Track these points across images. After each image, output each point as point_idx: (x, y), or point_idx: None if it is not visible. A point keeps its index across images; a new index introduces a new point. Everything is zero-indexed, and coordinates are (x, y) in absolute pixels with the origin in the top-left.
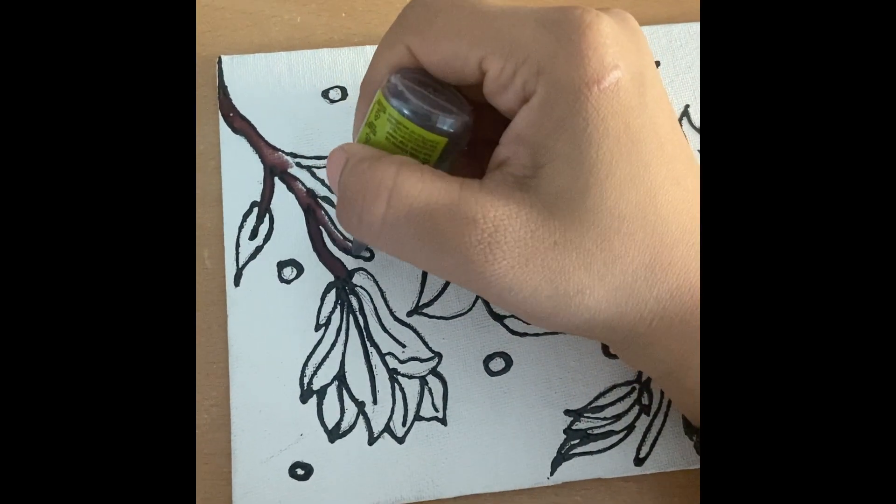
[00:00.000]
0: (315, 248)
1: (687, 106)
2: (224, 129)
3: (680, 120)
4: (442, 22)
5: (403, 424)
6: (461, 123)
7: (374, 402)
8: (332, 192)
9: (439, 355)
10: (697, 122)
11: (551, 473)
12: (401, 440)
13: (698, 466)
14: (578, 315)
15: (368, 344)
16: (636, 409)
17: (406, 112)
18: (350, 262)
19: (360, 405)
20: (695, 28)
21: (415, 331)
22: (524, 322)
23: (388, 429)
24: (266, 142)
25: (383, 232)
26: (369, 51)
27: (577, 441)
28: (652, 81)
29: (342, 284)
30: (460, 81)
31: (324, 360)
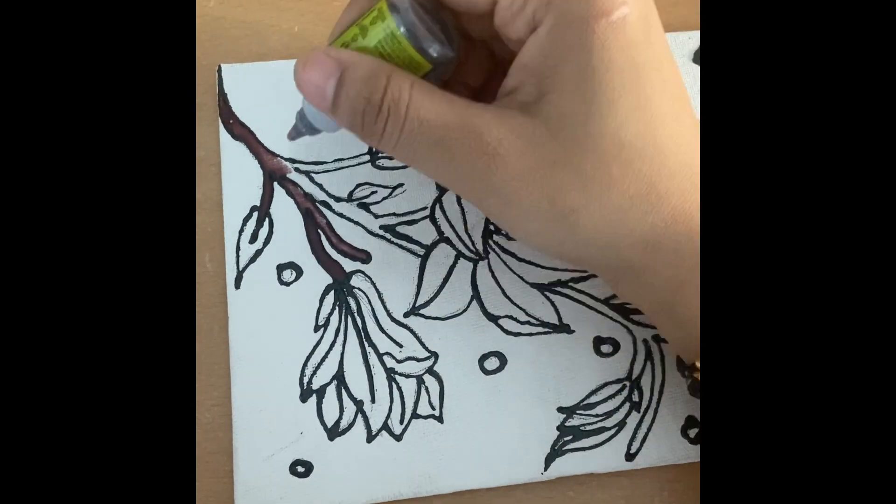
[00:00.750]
0: (314, 251)
1: None
2: (224, 135)
3: None
4: None
5: (401, 422)
6: (448, 55)
7: (373, 400)
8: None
9: (435, 355)
10: None
11: (545, 469)
12: (398, 438)
13: (688, 461)
14: (573, 234)
15: (366, 344)
16: (627, 405)
17: (403, 29)
18: (348, 265)
19: (359, 404)
20: (681, 38)
21: (411, 331)
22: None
23: (386, 427)
24: (265, 148)
25: (400, 143)
26: None
27: (569, 437)
28: (656, 24)
29: (340, 286)
30: (471, 8)
31: (323, 360)
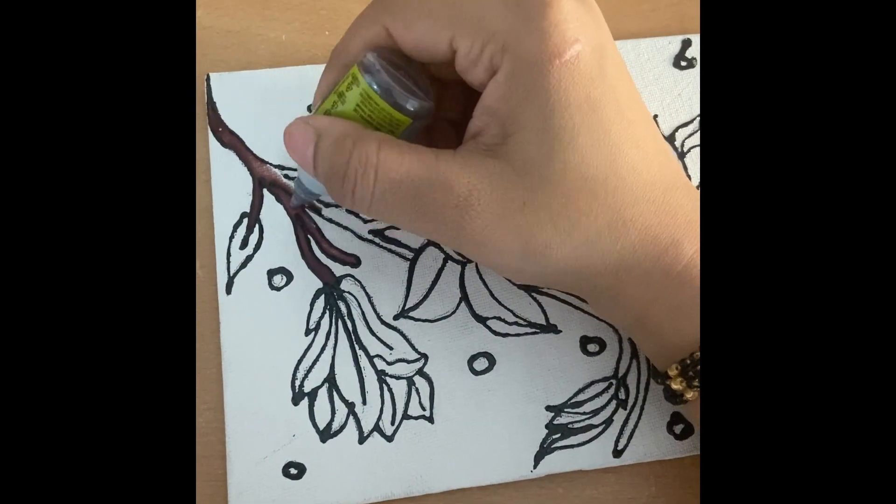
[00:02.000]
0: (303, 256)
1: (655, 116)
2: (213, 143)
3: None
4: (416, 4)
5: (392, 423)
6: (424, 107)
7: (364, 402)
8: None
9: (425, 356)
10: (665, 131)
11: (534, 466)
12: (390, 438)
13: (674, 457)
14: (546, 268)
15: (357, 347)
16: (613, 403)
17: (377, 89)
18: (338, 269)
19: (350, 406)
20: (661, 43)
21: (401, 333)
22: (507, 280)
23: (377, 428)
24: (254, 155)
25: (373, 203)
26: None
27: (558, 435)
28: (611, 53)
29: (330, 290)
30: (433, 59)
31: (314, 363)
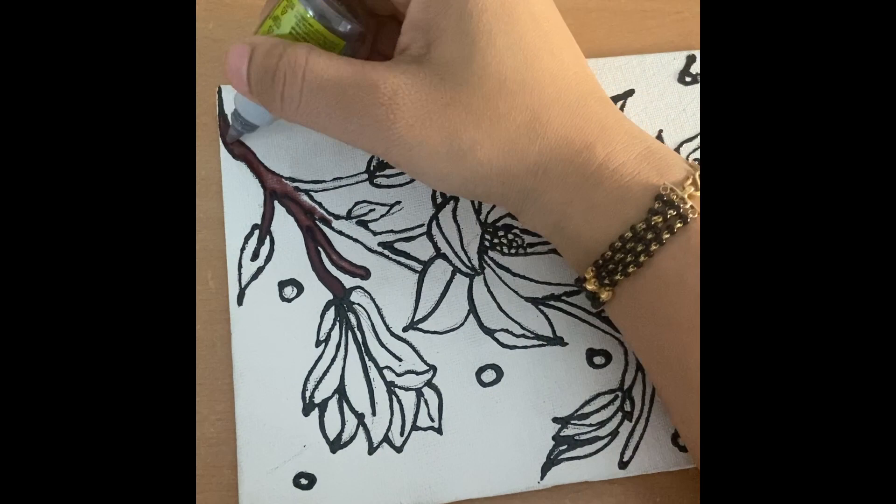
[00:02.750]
0: (314, 268)
1: (661, 131)
2: (225, 155)
3: None
4: None
5: (401, 434)
6: (355, 30)
7: (374, 413)
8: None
9: (434, 368)
10: (670, 146)
11: (541, 478)
12: (399, 449)
13: (678, 468)
14: (473, 169)
15: (367, 358)
16: (619, 415)
17: (311, 12)
18: (348, 281)
19: (360, 417)
20: (666, 58)
21: (410, 345)
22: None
23: (386, 439)
24: (265, 167)
25: (301, 106)
26: None
27: (565, 447)
28: None
29: (340, 302)
30: None
31: (324, 374)
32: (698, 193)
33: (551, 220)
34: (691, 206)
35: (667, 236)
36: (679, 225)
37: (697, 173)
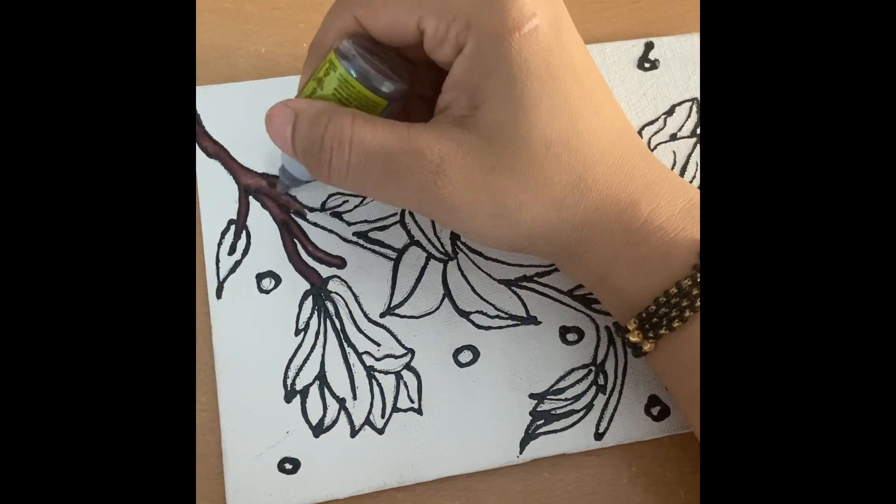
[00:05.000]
0: (291, 260)
1: None
2: (199, 153)
3: None
4: None
5: (382, 416)
6: (399, 89)
7: (354, 397)
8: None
9: (412, 351)
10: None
11: (520, 452)
12: (380, 431)
13: (652, 437)
14: (519, 230)
15: (346, 345)
16: (593, 389)
17: (354, 73)
18: (324, 271)
19: (341, 401)
20: (625, 46)
21: (388, 330)
22: (479, 247)
23: (368, 422)
24: (239, 164)
25: (350, 175)
26: None
27: (541, 421)
28: (567, 26)
29: (318, 291)
30: (403, 42)
31: (305, 362)
32: None
33: (596, 274)
34: None
35: None
36: None
37: None
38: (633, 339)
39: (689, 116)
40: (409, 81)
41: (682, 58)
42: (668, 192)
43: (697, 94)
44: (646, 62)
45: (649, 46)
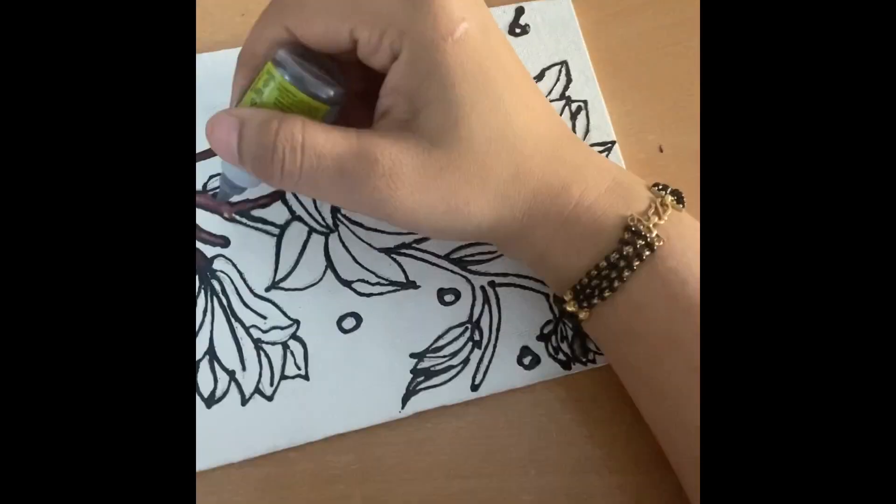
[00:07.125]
0: None
1: None
2: None
3: None
4: (313, 2)
5: (271, 385)
6: (338, 93)
7: (244, 369)
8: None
9: (297, 322)
10: None
11: (402, 407)
12: (270, 398)
13: (524, 385)
14: (467, 222)
15: (233, 320)
16: (469, 344)
17: (292, 81)
18: (209, 251)
19: (231, 374)
20: (497, 12)
21: (274, 304)
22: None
23: (257, 390)
24: None
25: (301, 178)
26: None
27: (422, 378)
28: (493, 27)
29: (203, 271)
30: (335, 50)
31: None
32: (661, 221)
33: (535, 254)
34: (657, 235)
35: (637, 263)
36: (647, 253)
37: (659, 201)
38: (570, 308)
39: (557, 79)
40: (346, 84)
41: (551, 22)
42: (595, 173)
43: (567, 58)
44: (517, 27)
45: (520, 12)
